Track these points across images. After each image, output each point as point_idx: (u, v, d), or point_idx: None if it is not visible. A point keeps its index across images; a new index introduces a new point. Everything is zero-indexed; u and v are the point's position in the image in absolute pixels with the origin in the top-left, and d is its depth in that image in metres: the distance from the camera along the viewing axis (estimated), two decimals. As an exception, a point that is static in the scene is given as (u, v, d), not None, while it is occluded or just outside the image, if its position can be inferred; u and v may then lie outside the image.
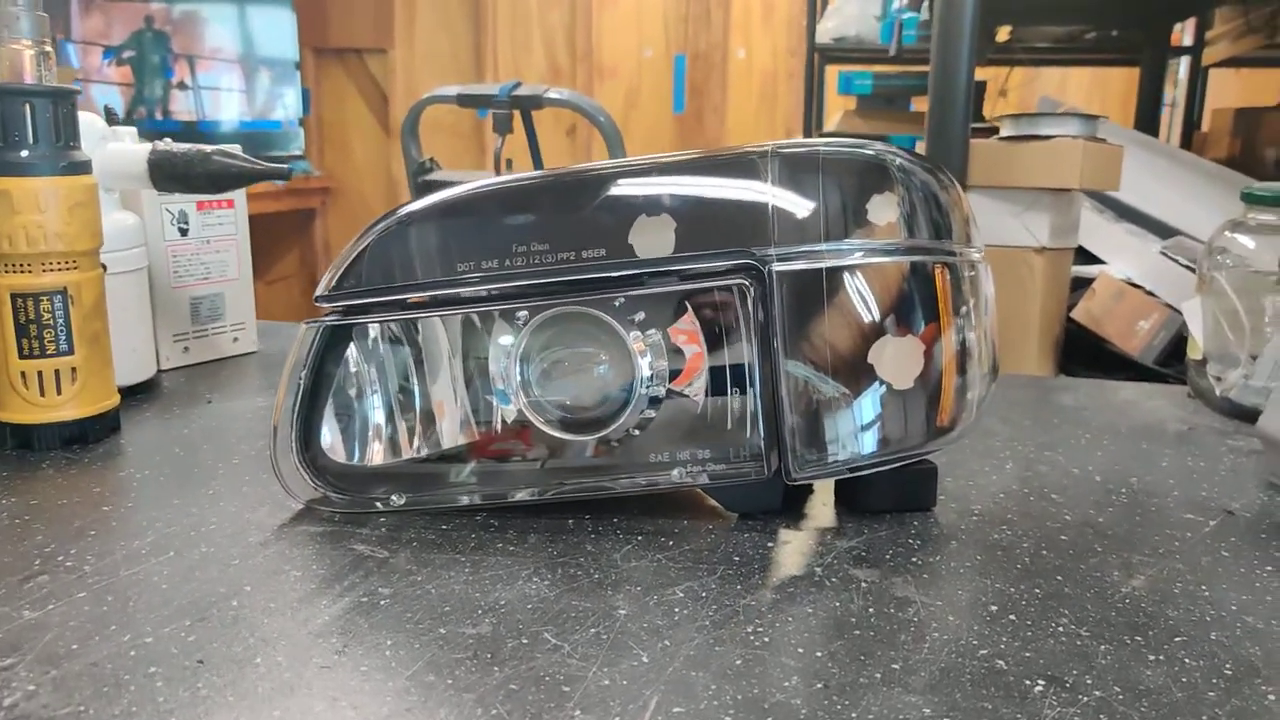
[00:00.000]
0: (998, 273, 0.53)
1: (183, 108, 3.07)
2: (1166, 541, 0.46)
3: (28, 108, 0.54)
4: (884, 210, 0.46)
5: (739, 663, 0.35)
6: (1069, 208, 1.12)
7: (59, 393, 0.57)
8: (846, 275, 0.46)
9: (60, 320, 0.56)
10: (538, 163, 1.52)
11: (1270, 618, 0.39)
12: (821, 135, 2.15)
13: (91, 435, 0.58)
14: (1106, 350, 1.11)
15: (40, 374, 0.56)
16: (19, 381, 0.56)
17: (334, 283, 0.49)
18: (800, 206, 0.46)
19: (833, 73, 2.27)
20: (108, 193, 0.67)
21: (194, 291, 0.77)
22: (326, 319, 0.49)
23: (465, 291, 0.48)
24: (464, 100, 1.48)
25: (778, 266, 0.45)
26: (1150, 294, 1.10)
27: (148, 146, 0.66)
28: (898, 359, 0.46)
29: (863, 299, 0.46)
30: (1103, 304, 1.10)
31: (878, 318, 0.46)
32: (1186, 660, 0.36)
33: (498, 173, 1.46)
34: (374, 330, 0.50)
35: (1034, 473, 0.55)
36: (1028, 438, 0.61)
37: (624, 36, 3.39)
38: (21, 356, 0.56)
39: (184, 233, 0.76)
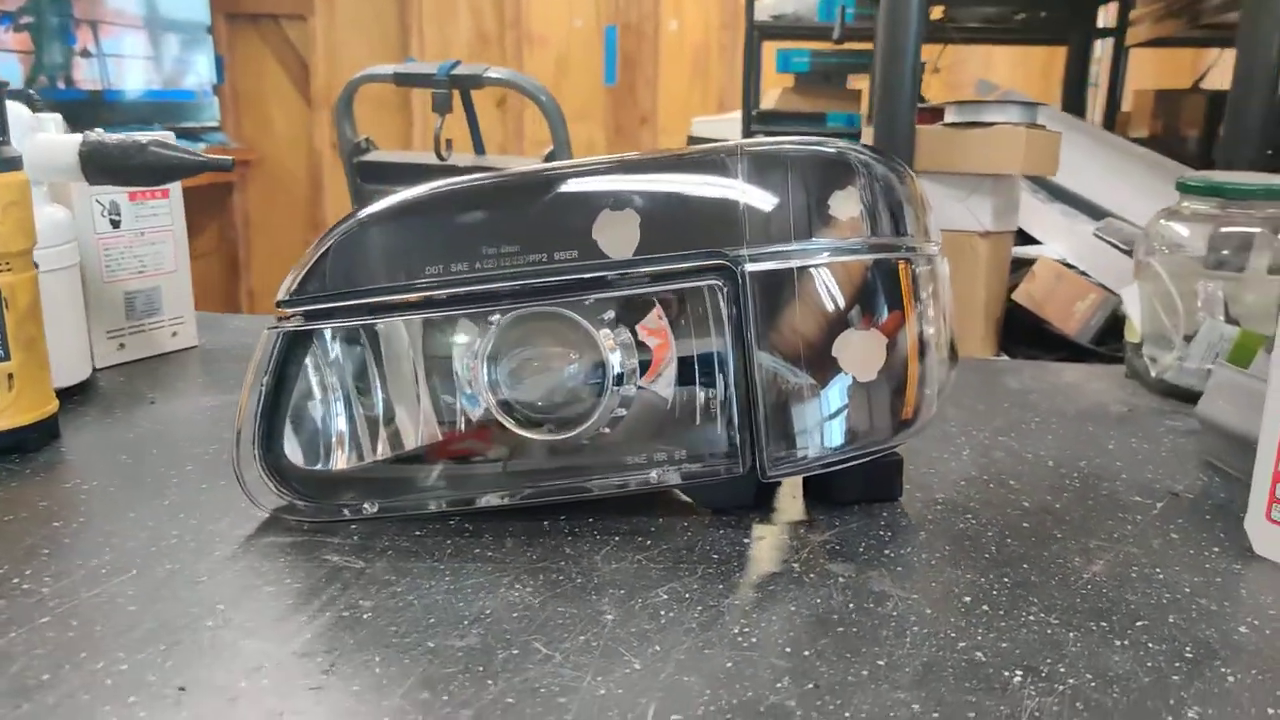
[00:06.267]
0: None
1: (86, 76, 2.93)
2: (1119, 526, 0.48)
3: (-48, 101, 0.51)
4: (846, 206, 0.47)
5: (730, 665, 0.36)
6: (1010, 191, 1.16)
7: (-5, 401, 0.54)
8: (815, 273, 0.46)
9: (-5, 325, 0.53)
10: (478, 143, 1.49)
11: (1222, 599, 0.41)
12: (759, 112, 2.15)
13: (30, 444, 0.56)
14: (1043, 329, 1.15)
15: (-26, 381, 0.53)
16: (-49, 390, 0.53)
17: (295, 285, 0.47)
18: (770, 206, 0.46)
19: (769, 49, 2.28)
20: (36, 186, 0.63)
21: (128, 286, 0.74)
22: (288, 324, 0.47)
23: (432, 294, 0.47)
24: (400, 79, 1.45)
25: (750, 267, 0.45)
26: (1084, 275, 1.14)
27: (78, 138, 0.63)
28: (861, 352, 0.47)
29: (831, 296, 0.46)
30: (1043, 286, 1.14)
31: (844, 313, 0.46)
32: (1150, 644, 0.37)
33: (438, 154, 1.42)
34: (337, 334, 0.49)
35: (990, 459, 0.57)
36: (981, 423, 0.63)
37: (553, 5, 3.34)
38: (-47, 364, 0.53)
39: (116, 225, 0.73)
